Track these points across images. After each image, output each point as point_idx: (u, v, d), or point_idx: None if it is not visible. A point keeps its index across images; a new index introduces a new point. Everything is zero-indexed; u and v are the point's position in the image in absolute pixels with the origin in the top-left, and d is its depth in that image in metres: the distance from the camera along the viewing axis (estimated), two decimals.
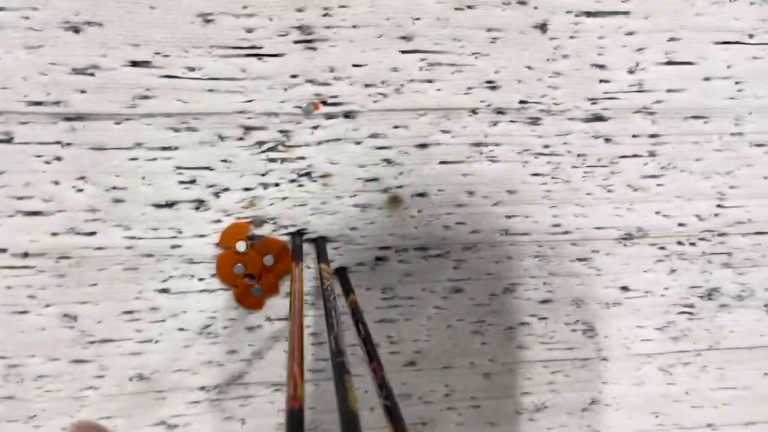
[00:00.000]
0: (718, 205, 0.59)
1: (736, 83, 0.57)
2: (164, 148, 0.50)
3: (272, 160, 0.52)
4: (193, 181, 0.51)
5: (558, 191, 0.56)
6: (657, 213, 0.58)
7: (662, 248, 0.59)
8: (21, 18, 0.46)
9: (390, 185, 0.54)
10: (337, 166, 0.53)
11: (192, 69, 0.49)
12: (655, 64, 0.55)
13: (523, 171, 0.55)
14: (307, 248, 0.53)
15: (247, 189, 0.52)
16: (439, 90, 0.53)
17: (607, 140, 0.56)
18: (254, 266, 0.52)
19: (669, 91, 0.56)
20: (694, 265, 0.60)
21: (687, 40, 0.55)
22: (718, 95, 0.57)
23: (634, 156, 0.57)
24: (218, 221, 0.52)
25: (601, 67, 0.55)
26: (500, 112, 0.54)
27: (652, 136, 0.57)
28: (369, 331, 0.41)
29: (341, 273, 0.54)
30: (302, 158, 0.52)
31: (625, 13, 0.54)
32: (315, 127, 0.52)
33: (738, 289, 0.61)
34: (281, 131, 0.51)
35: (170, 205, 0.51)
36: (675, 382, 0.62)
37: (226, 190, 0.52)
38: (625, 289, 0.59)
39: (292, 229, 0.53)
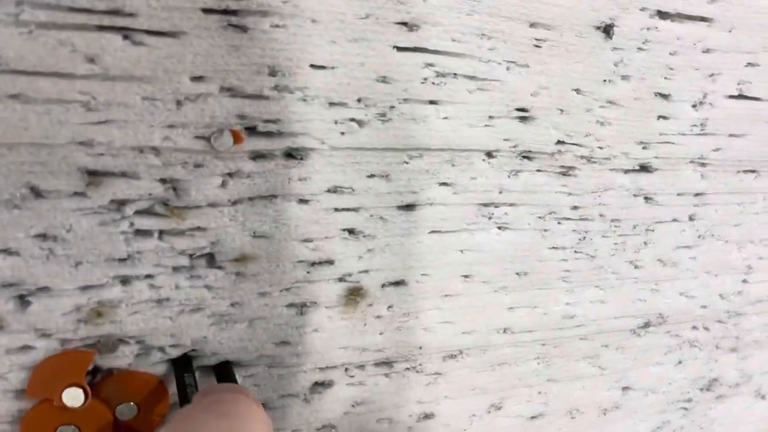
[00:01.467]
0: (744, 281, 0.52)
1: None
2: None
3: (142, 233, 0.30)
4: None
5: (578, 270, 0.44)
6: (681, 294, 0.49)
7: (676, 336, 0.51)
8: None
9: (350, 271, 0.36)
10: (265, 241, 0.33)
11: None
12: (724, 96, 0.44)
13: (541, 243, 0.41)
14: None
15: (87, 288, 0.30)
16: (446, 118, 0.35)
17: (648, 199, 0.44)
18: (98, 427, 0.32)
19: (731, 135, 0.45)
20: (702, 353, 0.53)
21: (765, 66, 0.45)
22: None
23: (673, 221, 0.46)
24: (26, 349, 0.30)
25: (665, 96, 0.42)
26: (527, 156, 0.39)
27: (698, 195, 0.46)
28: None
29: None
30: (200, 229, 0.32)
31: (708, 20, 0.41)
32: (230, 174, 0.31)
33: (737, 375, 0.56)
34: (163, 181, 0.30)
35: None
36: None
37: (44, 291, 0.29)
38: (627, 389, 0.50)
39: (173, 353, 0.33)
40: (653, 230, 0.46)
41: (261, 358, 0.35)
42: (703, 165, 0.46)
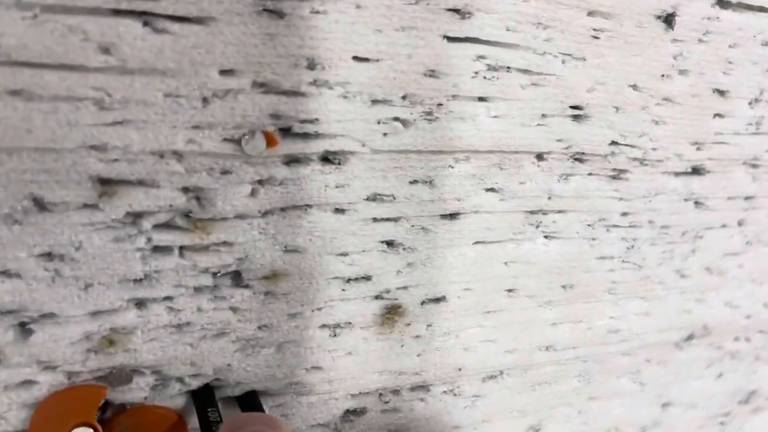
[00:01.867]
0: None
1: None
2: None
3: (160, 250, 0.27)
4: None
5: (625, 282, 0.41)
6: (726, 304, 0.47)
7: (718, 348, 0.48)
8: None
9: (388, 287, 0.33)
10: (297, 256, 0.30)
11: None
12: None
13: (589, 253, 0.39)
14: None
15: (97, 313, 0.27)
16: (496, 117, 0.32)
17: (698, 204, 0.42)
18: None
19: None
20: (743, 365, 0.51)
21: None
22: None
23: (723, 227, 0.43)
24: (28, 384, 0.26)
25: (722, 93, 0.39)
26: (578, 159, 0.36)
27: (748, 198, 0.44)
28: None
29: None
30: (225, 244, 0.28)
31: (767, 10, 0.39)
32: (261, 182, 0.28)
33: None
34: (186, 190, 0.27)
35: None
36: None
37: (49, 317, 0.26)
38: (667, 405, 0.48)
39: (194, 384, 0.30)
40: (702, 237, 0.43)
41: (290, 386, 0.32)
42: (755, 167, 0.43)
